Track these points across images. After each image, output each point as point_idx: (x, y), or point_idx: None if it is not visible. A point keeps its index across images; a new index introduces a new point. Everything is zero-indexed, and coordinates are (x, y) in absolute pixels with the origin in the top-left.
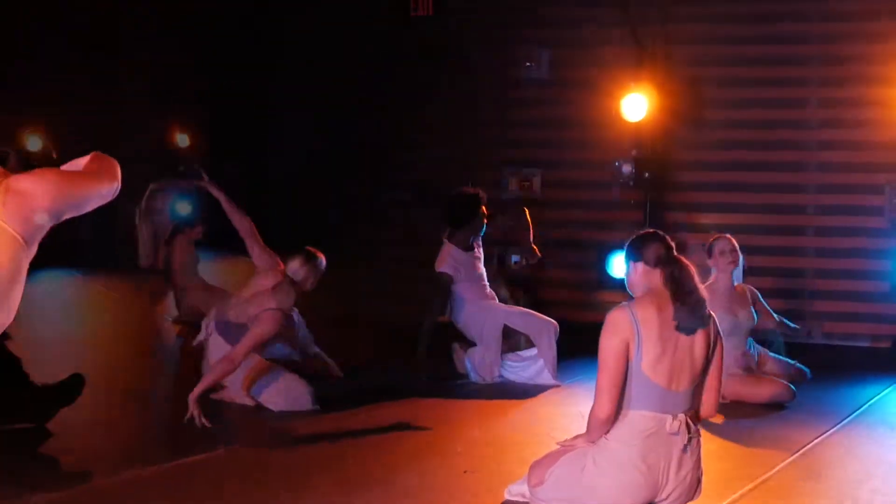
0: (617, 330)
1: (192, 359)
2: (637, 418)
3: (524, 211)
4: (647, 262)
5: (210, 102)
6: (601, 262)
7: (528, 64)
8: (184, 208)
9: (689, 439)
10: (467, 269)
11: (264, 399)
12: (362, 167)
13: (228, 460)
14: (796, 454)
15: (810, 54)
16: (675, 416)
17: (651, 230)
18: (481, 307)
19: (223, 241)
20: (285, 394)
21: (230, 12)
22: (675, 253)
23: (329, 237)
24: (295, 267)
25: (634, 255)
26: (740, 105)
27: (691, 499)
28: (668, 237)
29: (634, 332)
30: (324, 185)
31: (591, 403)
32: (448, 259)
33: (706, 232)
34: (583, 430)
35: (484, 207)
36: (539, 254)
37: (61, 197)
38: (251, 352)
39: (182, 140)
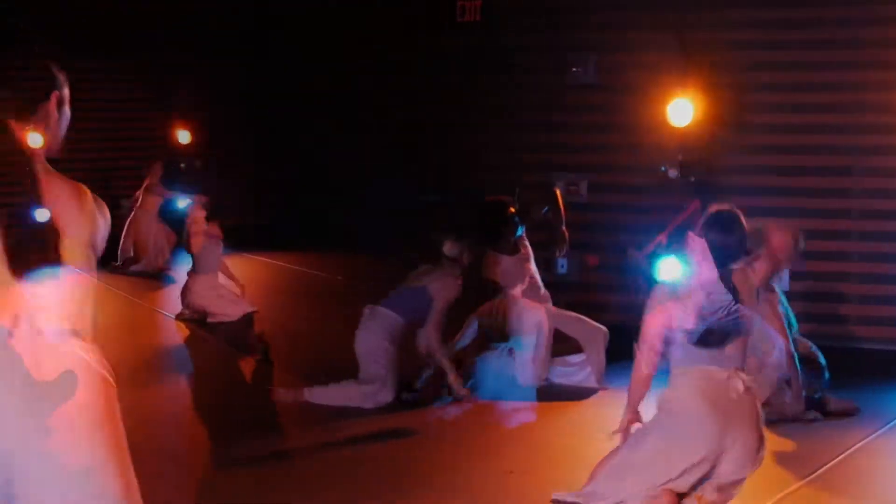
0: (660, 306)
1: (197, 358)
2: (688, 372)
3: (556, 193)
4: (712, 251)
5: (254, 104)
6: (647, 266)
7: (574, 69)
8: (185, 205)
9: (745, 388)
10: (515, 272)
11: (318, 395)
12: (408, 171)
13: (275, 457)
14: (840, 457)
15: (858, 59)
16: (724, 369)
17: (733, 218)
18: (533, 310)
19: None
20: (337, 390)
21: (272, 17)
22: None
23: (375, 240)
24: (449, 247)
25: (703, 235)
26: (786, 109)
27: (752, 462)
28: (744, 234)
29: (678, 311)
30: (370, 189)
31: None
32: (494, 266)
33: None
34: None
35: (511, 209)
36: (567, 240)
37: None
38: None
39: (183, 136)
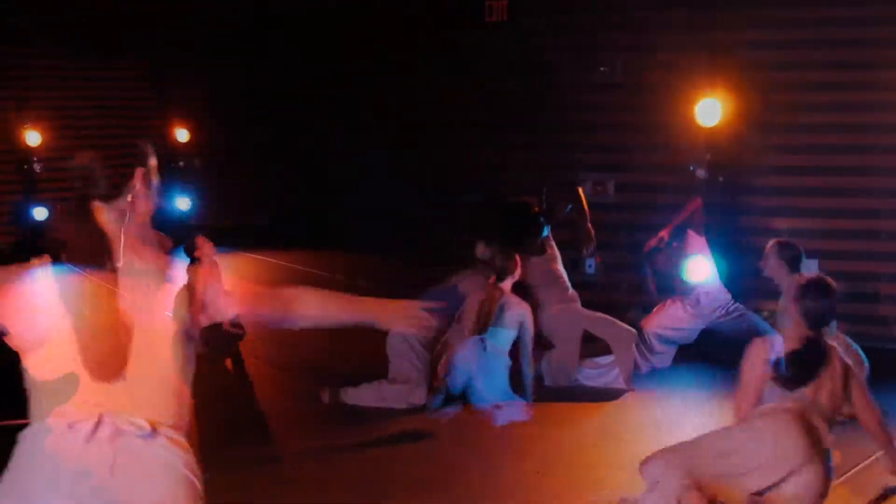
0: (759, 363)
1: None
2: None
3: (579, 192)
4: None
5: (254, 104)
6: (650, 264)
7: (602, 68)
8: (184, 203)
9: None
10: (543, 273)
11: (351, 396)
12: (434, 170)
13: (298, 459)
14: (869, 460)
15: (886, 59)
16: (817, 414)
17: (827, 285)
18: (562, 310)
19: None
20: (369, 390)
21: (272, 17)
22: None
23: (403, 239)
24: (482, 250)
25: (795, 299)
26: (815, 109)
27: (811, 500)
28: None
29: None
30: (396, 188)
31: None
32: (522, 268)
33: (781, 237)
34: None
35: (536, 209)
36: (594, 238)
37: None
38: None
39: (182, 135)
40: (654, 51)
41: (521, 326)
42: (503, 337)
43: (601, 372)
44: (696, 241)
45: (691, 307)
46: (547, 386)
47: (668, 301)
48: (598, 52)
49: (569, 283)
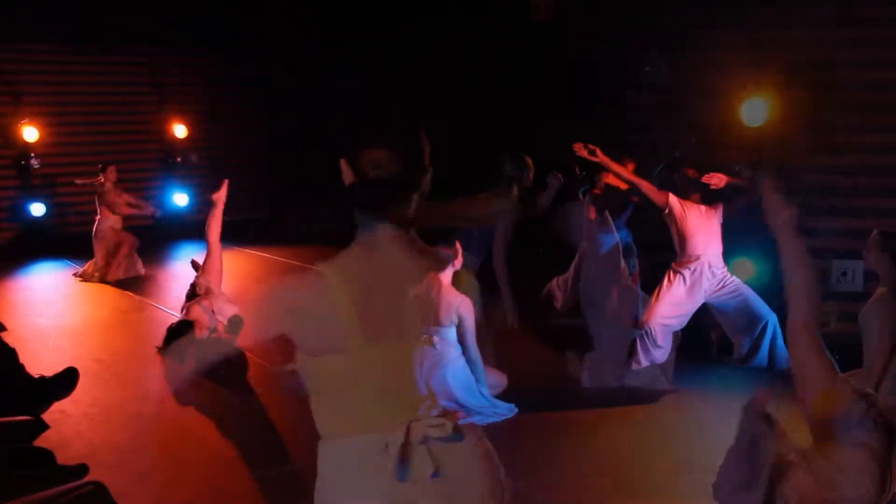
0: None
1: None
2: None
3: (558, 177)
4: None
5: (271, 99)
6: None
7: (646, 68)
8: (181, 199)
9: None
10: (594, 241)
11: None
12: (476, 169)
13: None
14: None
15: None
16: None
17: None
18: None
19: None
20: None
21: (274, 13)
22: None
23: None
24: (508, 167)
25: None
26: (866, 109)
27: None
28: None
29: None
30: (440, 186)
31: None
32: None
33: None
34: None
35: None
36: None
37: None
38: (506, 242)
39: (179, 131)
40: (699, 50)
41: (460, 319)
42: (445, 333)
43: (642, 371)
44: (714, 214)
45: (689, 283)
46: (586, 387)
47: (664, 284)
48: (643, 51)
49: (623, 262)
